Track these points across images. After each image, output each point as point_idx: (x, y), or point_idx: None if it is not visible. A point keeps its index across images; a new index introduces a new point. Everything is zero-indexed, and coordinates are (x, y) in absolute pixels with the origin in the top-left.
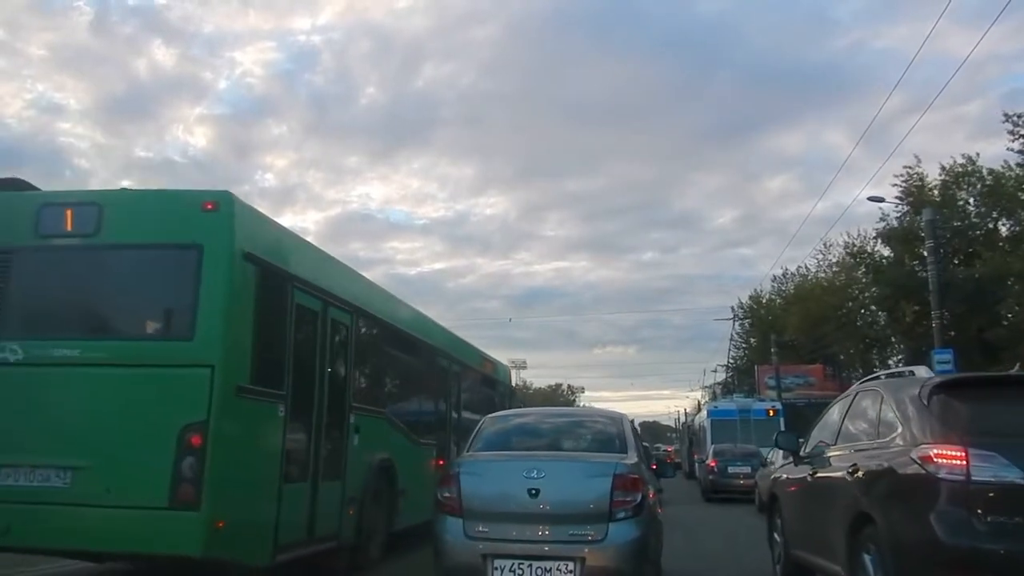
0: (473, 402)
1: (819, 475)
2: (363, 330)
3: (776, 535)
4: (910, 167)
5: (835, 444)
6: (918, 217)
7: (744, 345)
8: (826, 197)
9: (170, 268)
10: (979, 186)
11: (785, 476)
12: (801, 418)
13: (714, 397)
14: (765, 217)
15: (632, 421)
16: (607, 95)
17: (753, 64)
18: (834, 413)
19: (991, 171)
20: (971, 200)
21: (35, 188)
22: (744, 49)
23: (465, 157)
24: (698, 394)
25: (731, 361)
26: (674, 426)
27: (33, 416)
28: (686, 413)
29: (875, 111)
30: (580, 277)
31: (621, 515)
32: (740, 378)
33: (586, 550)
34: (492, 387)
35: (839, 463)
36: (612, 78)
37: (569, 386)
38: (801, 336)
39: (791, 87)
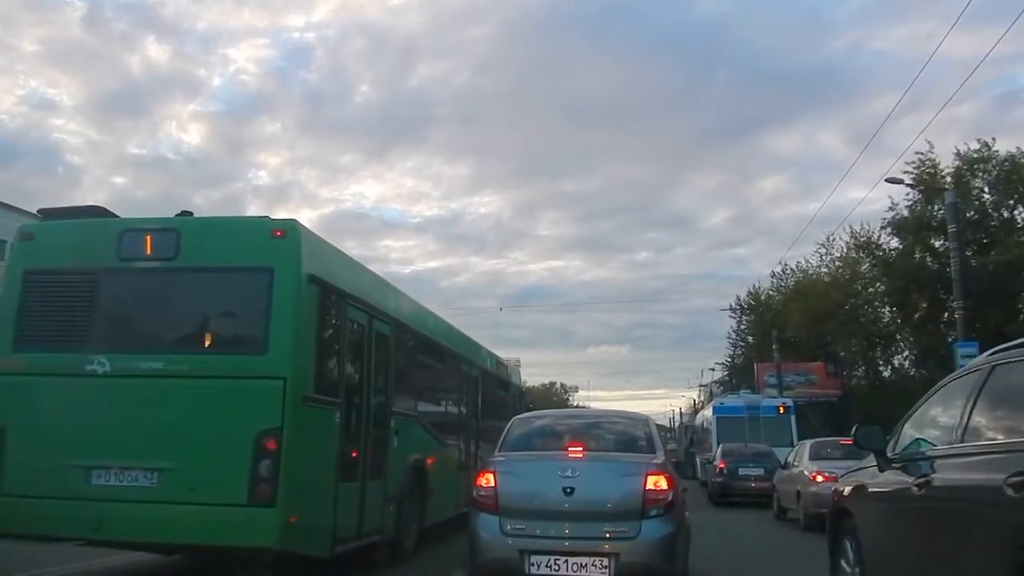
0: (489, 404)
1: (938, 484)
2: (400, 340)
3: (845, 564)
4: (922, 153)
5: (960, 441)
6: (929, 206)
7: (742, 343)
8: (819, 198)
9: (244, 289)
10: (995, 172)
11: (866, 485)
12: (803, 417)
13: (711, 396)
14: (759, 217)
15: None
16: (603, 94)
17: (750, 65)
18: (951, 398)
19: (1008, 156)
20: (986, 187)
21: (115, 215)
22: (741, 50)
23: (460, 156)
24: (694, 393)
25: (728, 359)
26: (669, 425)
27: (121, 422)
28: (681, 412)
29: (870, 112)
30: (574, 276)
31: (653, 512)
32: (738, 376)
33: (619, 546)
34: (505, 389)
35: (979, 469)
36: (609, 77)
37: (563, 385)
38: (802, 332)
39: (788, 88)
